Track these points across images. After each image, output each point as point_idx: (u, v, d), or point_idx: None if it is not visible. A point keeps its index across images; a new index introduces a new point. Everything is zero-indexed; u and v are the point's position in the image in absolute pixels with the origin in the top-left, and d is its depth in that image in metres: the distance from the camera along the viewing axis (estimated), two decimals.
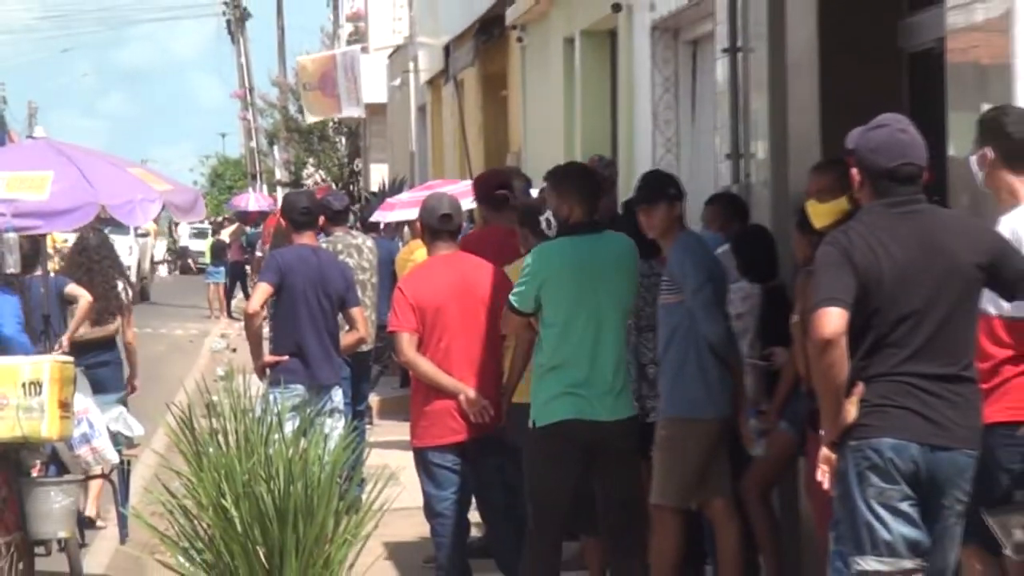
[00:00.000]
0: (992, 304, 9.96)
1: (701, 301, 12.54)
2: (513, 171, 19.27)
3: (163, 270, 78.85)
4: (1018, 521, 8.54)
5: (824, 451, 9.56)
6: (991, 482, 9.84)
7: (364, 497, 12.40)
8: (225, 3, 76.30)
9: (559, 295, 12.20)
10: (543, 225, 13.25)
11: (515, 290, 12.33)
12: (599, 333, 12.22)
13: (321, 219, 17.54)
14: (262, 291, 15.30)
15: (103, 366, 17.86)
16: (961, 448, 9.45)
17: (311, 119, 56.77)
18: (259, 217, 52.17)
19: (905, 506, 9.40)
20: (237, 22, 76.10)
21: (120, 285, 18.70)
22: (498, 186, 15.64)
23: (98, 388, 16.90)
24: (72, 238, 20.98)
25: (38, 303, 15.80)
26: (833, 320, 9.31)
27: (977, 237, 9.67)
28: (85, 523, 16.11)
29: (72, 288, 17.59)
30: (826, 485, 10.00)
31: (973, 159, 10.21)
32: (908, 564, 9.40)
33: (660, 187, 12.94)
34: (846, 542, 9.62)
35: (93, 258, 18.52)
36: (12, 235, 15.13)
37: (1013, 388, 10.02)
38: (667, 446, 12.62)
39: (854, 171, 9.75)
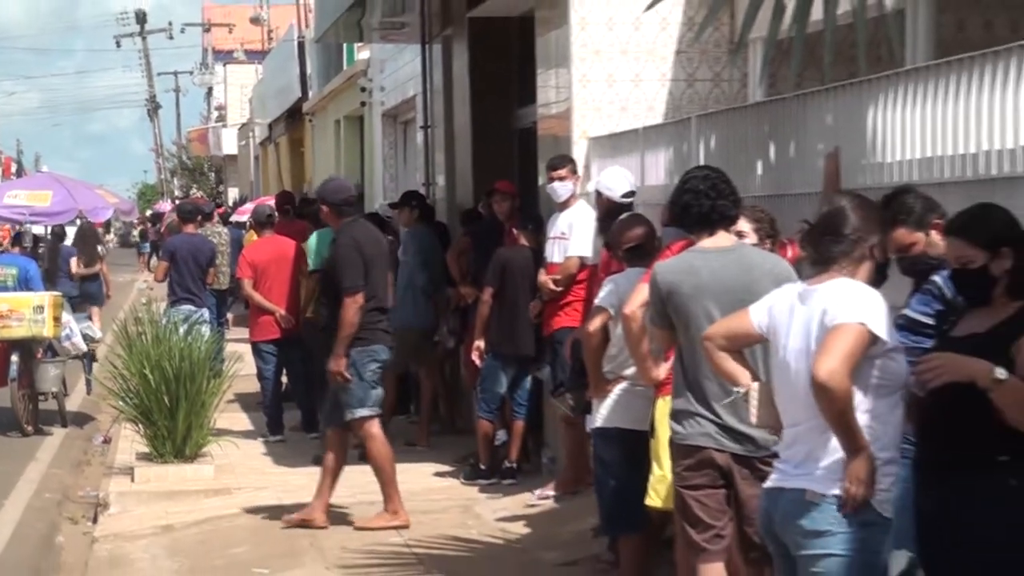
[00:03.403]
0: (557, 255, 10.04)
1: (417, 262, 12.41)
2: (309, 193, 19.12)
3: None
4: (568, 397, 8.53)
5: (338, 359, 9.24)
6: (561, 360, 9.66)
7: (223, 368, 12.40)
8: (147, 100, 74.60)
9: None
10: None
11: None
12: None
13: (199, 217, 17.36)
14: (163, 266, 14.91)
15: (93, 286, 18.98)
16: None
17: (195, 155, 57.24)
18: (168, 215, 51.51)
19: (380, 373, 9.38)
20: (153, 110, 74.42)
21: (100, 247, 20.14)
22: (283, 203, 15.50)
23: (92, 295, 18.80)
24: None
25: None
26: (361, 299, 9.14)
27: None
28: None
29: (73, 260, 18.91)
30: (477, 360, 10.05)
31: (556, 185, 10.06)
32: (375, 412, 9.38)
33: (407, 199, 12.89)
34: (356, 402, 9.32)
35: (87, 236, 19.84)
36: (29, 227, 15.22)
37: (575, 308, 9.92)
38: (396, 342, 12.52)
39: (322, 207, 9.58)
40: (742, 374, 5.11)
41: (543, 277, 10.16)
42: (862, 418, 4.60)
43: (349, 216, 9.50)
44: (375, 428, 9.43)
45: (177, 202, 35.53)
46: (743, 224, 6.37)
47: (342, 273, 9.24)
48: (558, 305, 10.10)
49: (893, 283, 5.41)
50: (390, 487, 9.45)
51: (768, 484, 4.90)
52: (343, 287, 9.21)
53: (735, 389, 5.14)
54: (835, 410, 4.49)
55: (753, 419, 5.04)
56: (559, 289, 10.06)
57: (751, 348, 5.30)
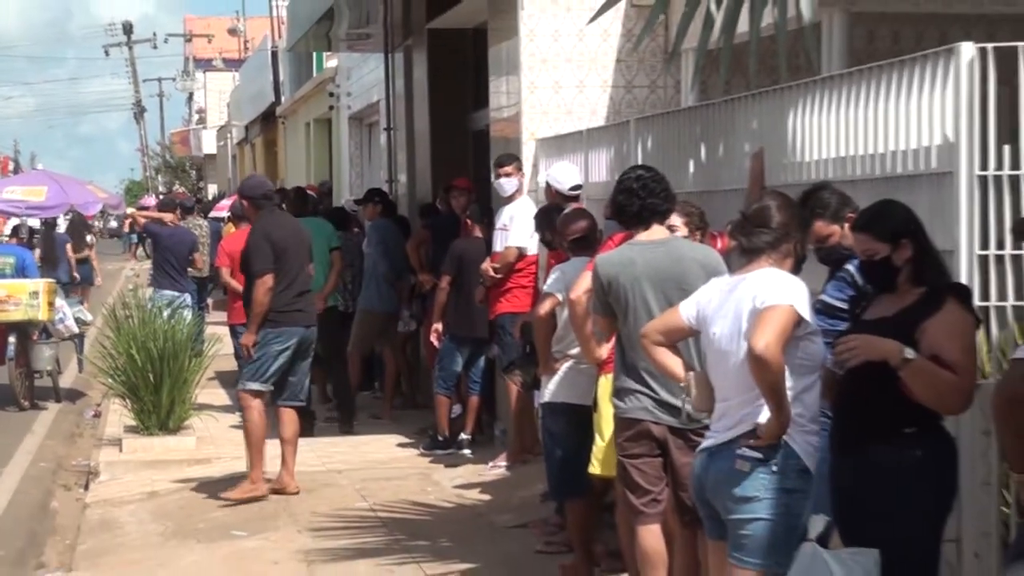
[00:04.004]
0: (499, 244, 10.00)
1: (379, 252, 12.33)
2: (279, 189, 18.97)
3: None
4: (519, 373, 8.49)
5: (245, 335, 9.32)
6: (505, 341, 9.76)
7: (204, 349, 12.31)
8: (133, 104, 73.73)
9: None
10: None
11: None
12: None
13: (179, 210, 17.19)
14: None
15: (83, 269, 20.09)
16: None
17: (177, 154, 56.56)
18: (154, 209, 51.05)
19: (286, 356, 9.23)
20: (139, 113, 73.54)
21: (88, 236, 21.16)
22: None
23: (83, 277, 19.95)
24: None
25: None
26: (269, 281, 9.10)
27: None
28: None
29: (68, 246, 19.68)
30: (435, 341, 9.92)
31: (503, 180, 10.06)
32: (264, 388, 9.21)
33: (370, 195, 12.84)
34: (250, 374, 9.26)
35: (78, 226, 20.89)
36: (25, 219, 15.10)
37: (515, 294, 9.94)
38: (358, 321, 12.43)
39: (243, 202, 9.49)
40: (676, 365, 5.14)
41: (484, 265, 10.15)
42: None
43: (265, 208, 9.44)
44: (256, 403, 9.29)
45: (161, 197, 35.36)
46: (674, 218, 6.39)
47: (251, 258, 9.26)
48: (500, 292, 10.07)
49: (811, 271, 5.44)
50: (256, 458, 9.29)
51: (700, 447, 4.93)
52: (252, 270, 9.24)
53: (681, 386, 5.16)
54: (769, 379, 4.53)
55: (691, 406, 5.06)
56: (498, 276, 10.03)
57: (685, 341, 5.32)
